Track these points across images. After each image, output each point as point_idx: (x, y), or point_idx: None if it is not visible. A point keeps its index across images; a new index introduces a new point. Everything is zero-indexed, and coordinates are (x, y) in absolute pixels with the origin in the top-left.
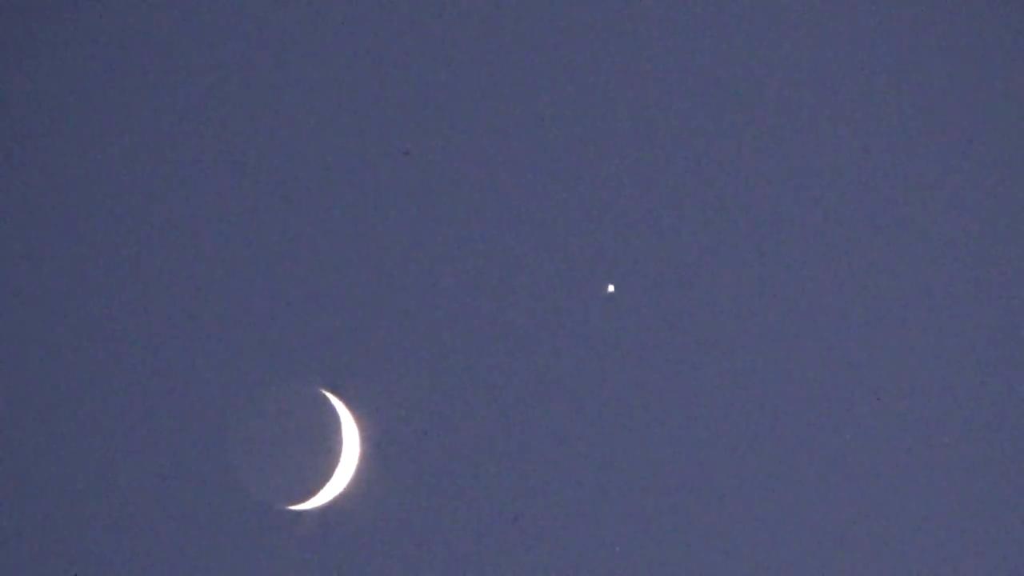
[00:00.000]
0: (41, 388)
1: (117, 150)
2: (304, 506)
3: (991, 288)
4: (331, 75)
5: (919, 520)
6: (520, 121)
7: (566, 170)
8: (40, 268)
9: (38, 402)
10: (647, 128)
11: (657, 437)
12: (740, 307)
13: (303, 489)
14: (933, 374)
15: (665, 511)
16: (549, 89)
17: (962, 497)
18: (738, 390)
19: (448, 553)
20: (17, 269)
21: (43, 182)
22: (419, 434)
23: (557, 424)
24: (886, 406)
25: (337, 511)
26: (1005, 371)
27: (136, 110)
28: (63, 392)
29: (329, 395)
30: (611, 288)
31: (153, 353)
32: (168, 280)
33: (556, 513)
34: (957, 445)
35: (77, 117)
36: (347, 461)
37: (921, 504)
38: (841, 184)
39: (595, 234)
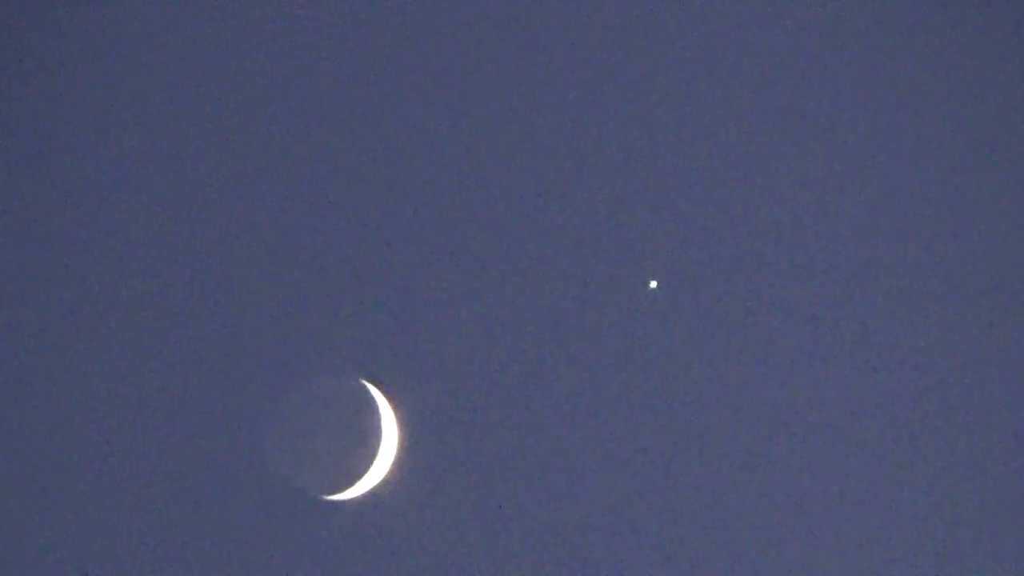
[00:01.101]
0: (83, 376)
1: (157, 134)
2: (343, 496)
3: (991, 289)
4: (364, 60)
5: (918, 521)
6: (556, 118)
7: (605, 167)
8: (76, 255)
9: (79, 389)
10: (673, 128)
11: (702, 429)
12: (750, 308)
13: (342, 479)
14: (935, 375)
15: (707, 501)
16: (575, 88)
17: (961, 497)
18: (757, 391)
19: (487, 543)
20: (65, 256)
21: (79, 171)
22: (458, 425)
23: (599, 416)
24: (888, 407)
25: (376, 501)
26: (1005, 371)
27: (168, 97)
28: (106, 384)
29: (369, 385)
30: (653, 284)
31: (197, 342)
32: (210, 269)
33: (598, 503)
34: (957, 446)
35: (91, 115)
36: (386, 451)
37: (921, 505)
38: (842, 185)
39: (629, 229)
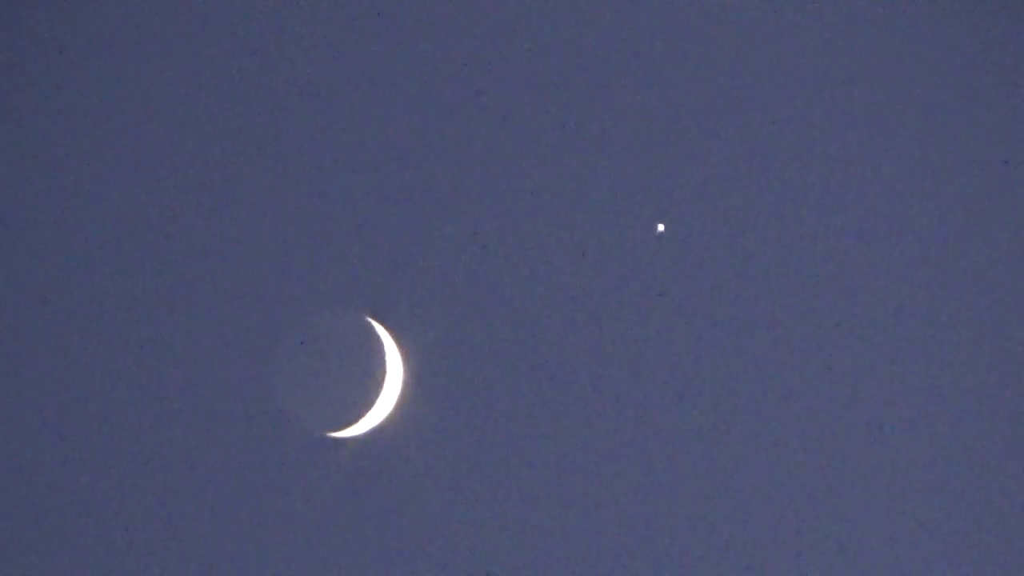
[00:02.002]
0: (84, 317)
1: (169, 115)
2: (346, 433)
3: (991, 291)
4: (387, 42)
5: (918, 522)
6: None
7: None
8: (80, 225)
9: (77, 322)
10: (673, 123)
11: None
12: (749, 308)
13: (345, 416)
14: (936, 376)
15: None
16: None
17: (961, 498)
18: (759, 390)
19: (490, 484)
20: (60, 237)
21: (76, 164)
22: (464, 362)
23: (607, 356)
24: (890, 408)
25: (379, 439)
26: (1004, 373)
27: (183, 87)
28: (111, 314)
29: (373, 321)
30: (661, 227)
31: (195, 276)
32: (211, 204)
33: (602, 446)
34: (956, 447)
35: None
36: (390, 388)
37: (921, 506)
38: (843, 186)
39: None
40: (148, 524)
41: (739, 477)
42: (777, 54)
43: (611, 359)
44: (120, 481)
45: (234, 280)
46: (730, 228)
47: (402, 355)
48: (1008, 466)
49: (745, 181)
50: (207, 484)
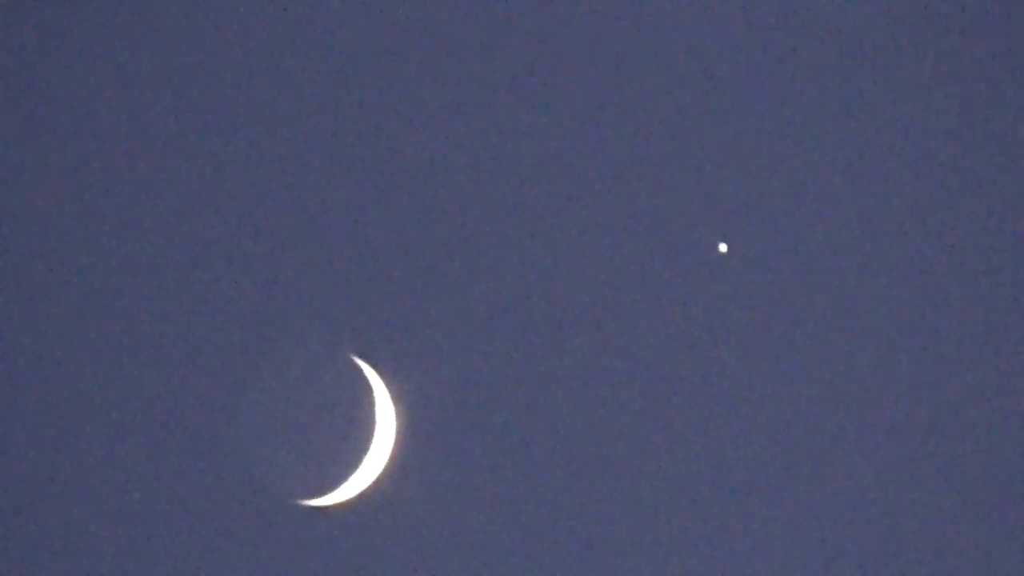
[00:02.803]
0: (48, 368)
1: (163, 120)
2: (328, 501)
3: (991, 293)
4: (378, 44)
5: (918, 522)
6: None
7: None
8: (65, 238)
9: (46, 383)
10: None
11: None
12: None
13: (327, 480)
14: (935, 376)
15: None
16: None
17: (961, 499)
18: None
19: (497, 563)
20: (55, 245)
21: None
22: (470, 413)
23: (614, 406)
24: (892, 409)
25: (367, 507)
26: (1003, 373)
27: (171, 90)
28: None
29: (361, 364)
30: (723, 247)
31: (161, 316)
32: (173, 230)
33: (611, 508)
34: (956, 447)
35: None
36: (380, 445)
37: (920, 507)
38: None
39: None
40: None
41: (754, 512)
42: (788, 61)
43: (639, 413)
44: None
45: (192, 318)
46: (730, 231)
47: (395, 404)
48: (1008, 466)
49: (743, 181)
50: (167, 562)
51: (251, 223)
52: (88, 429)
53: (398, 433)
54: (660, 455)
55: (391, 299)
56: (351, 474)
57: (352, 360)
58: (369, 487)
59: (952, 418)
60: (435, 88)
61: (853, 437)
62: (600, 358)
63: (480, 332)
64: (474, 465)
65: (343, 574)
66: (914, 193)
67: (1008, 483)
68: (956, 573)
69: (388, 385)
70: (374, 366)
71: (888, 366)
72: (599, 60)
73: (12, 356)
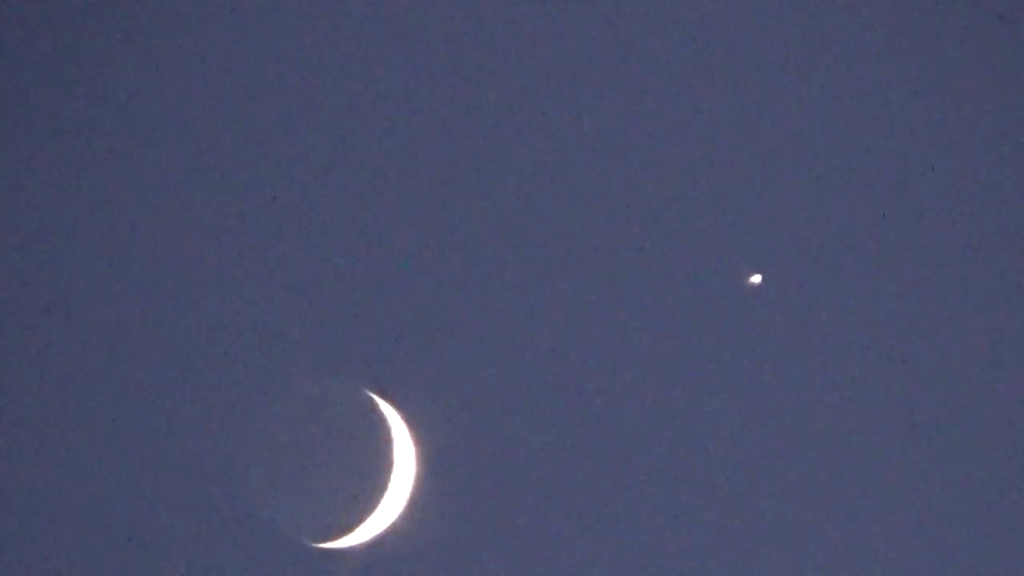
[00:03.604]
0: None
1: (169, 142)
2: (342, 543)
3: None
4: (391, 58)
5: (917, 523)
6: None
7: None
8: (70, 258)
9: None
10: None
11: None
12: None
13: (342, 522)
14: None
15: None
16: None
17: (960, 499)
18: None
19: None
20: (62, 261)
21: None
22: (493, 450)
23: (638, 439)
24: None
25: (384, 551)
26: (1004, 374)
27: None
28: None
29: (377, 398)
30: (757, 279)
31: (167, 343)
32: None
33: (638, 545)
34: (956, 448)
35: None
36: (398, 485)
37: (920, 507)
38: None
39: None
40: None
41: (781, 527)
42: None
43: (651, 449)
44: None
45: (201, 355)
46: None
47: (414, 441)
48: (1007, 467)
49: (743, 180)
50: None
51: (264, 257)
52: (92, 471)
53: (417, 473)
54: (691, 487)
55: (409, 333)
56: (368, 516)
57: (369, 396)
58: (386, 529)
59: (951, 419)
60: (457, 113)
61: (867, 445)
62: (621, 389)
63: (500, 366)
64: (497, 507)
65: None
66: (948, 212)
67: (1009, 484)
68: (957, 573)
69: (407, 423)
70: (392, 402)
71: (895, 370)
72: (638, 80)
73: (18, 405)
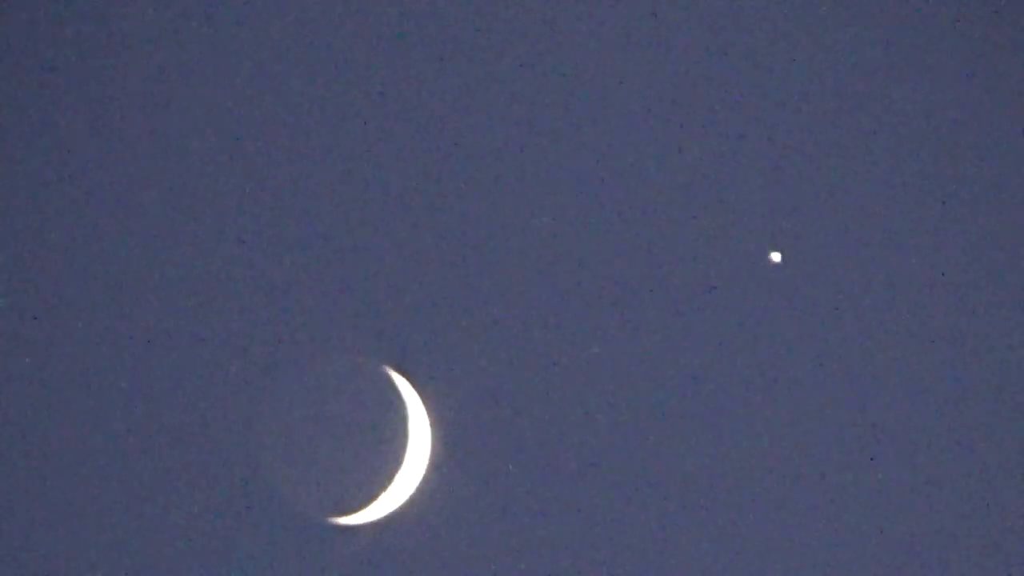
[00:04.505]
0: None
1: (183, 123)
2: (358, 519)
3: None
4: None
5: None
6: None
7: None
8: (87, 239)
9: (50, 385)
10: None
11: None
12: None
13: (357, 496)
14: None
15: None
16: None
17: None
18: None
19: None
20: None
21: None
22: (511, 428)
23: (660, 419)
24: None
25: (399, 526)
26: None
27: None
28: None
29: (394, 374)
30: (777, 257)
31: (174, 322)
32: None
33: (657, 526)
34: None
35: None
36: (413, 461)
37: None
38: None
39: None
40: None
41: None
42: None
43: (673, 425)
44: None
45: (217, 327)
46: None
47: (429, 418)
48: (1007, 467)
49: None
50: None
51: (279, 230)
52: (102, 444)
53: (433, 448)
54: (709, 471)
55: (426, 308)
56: (383, 491)
57: (385, 371)
58: (402, 505)
59: (951, 419)
60: (469, 100)
61: (874, 442)
62: (643, 369)
63: (519, 343)
64: (514, 483)
65: None
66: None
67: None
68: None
69: (423, 398)
70: (408, 377)
71: (902, 366)
72: (649, 71)
73: (20, 367)
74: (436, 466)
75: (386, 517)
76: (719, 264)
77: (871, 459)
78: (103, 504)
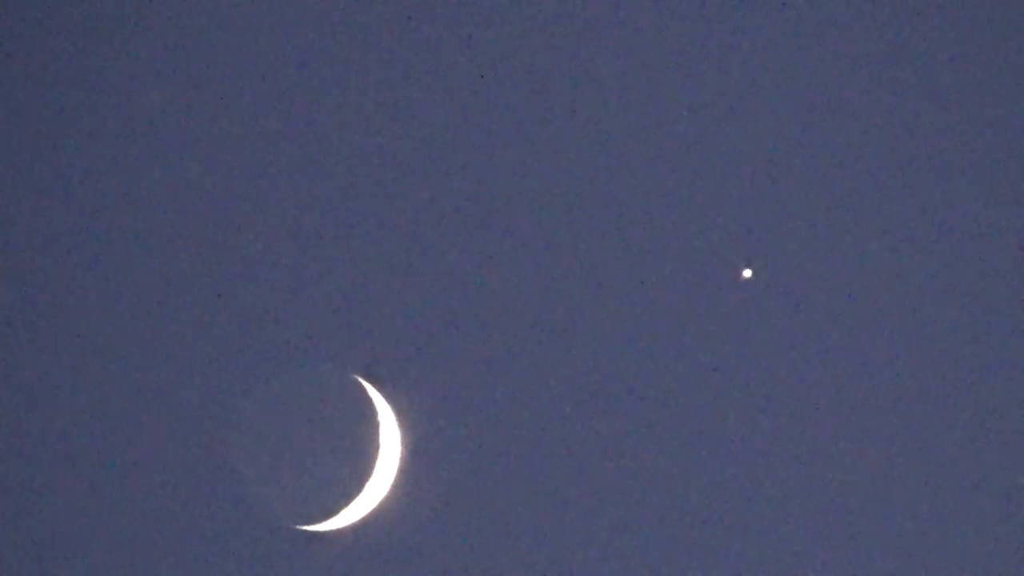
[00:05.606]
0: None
1: (155, 130)
2: (327, 527)
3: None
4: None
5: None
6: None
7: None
8: (54, 244)
9: (36, 398)
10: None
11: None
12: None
13: (327, 505)
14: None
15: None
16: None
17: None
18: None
19: None
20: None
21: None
22: (482, 435)
23: (628, 425)
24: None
25: (368, 534)
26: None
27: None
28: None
29: (363, 381)
30: (748, 273)
31: (145, 328)
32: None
33: (625, 533)
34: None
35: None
36: (383, 469)
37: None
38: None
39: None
40: None
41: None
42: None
43: (640, 437)
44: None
45: (185, 332)
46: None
47: (399, 426)
48: (1007, 468)
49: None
50: None
51: (247, 234)
52: (72, 449)
53: (402, 457)
54: (672, 472)
55: (397, 316)
56: (352, 499)
57: (355, 379)
58: (371, 513)
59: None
60: (440, 101)
61: (867, 443)
62: (612, 376)
63: (489, 351)
64: (483, 491)
65: None
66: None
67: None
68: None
69: (392, 405)
70: (378, 386)
71: (893, 367)
72: (627, 77)
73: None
74: (406, 474)
75: (356, 525)
76: (686, 276)
77: (855, 459)
78: (72, 511)
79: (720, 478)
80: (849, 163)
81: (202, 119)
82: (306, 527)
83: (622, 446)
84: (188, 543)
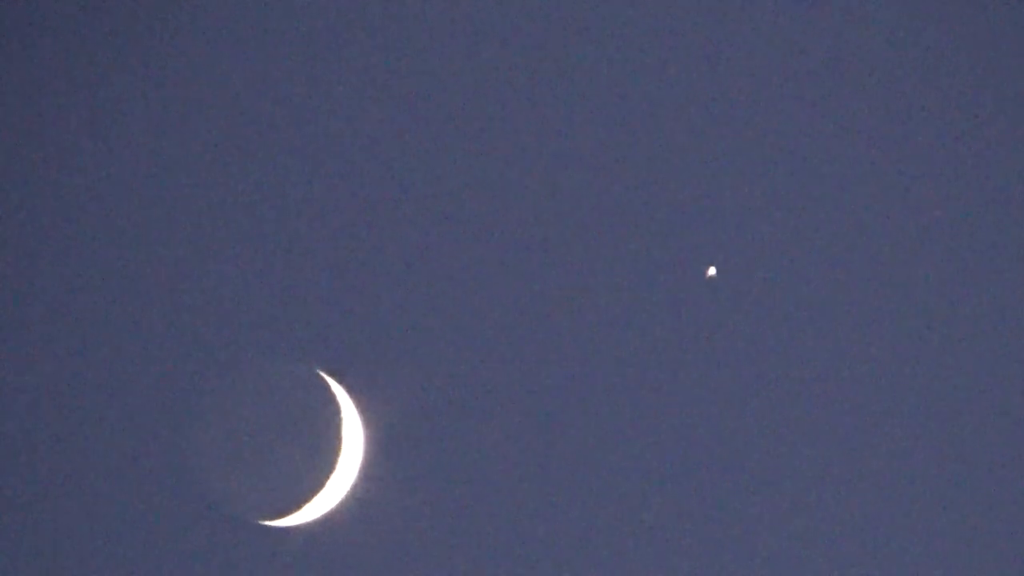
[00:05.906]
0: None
1: (135, 135)
2: (289, 521)
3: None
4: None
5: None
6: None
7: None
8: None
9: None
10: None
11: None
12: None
13: (289, 500)
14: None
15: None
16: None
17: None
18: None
19: None
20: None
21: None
22: (443, 431)
23: (592, 425)
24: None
25: (332, 529)
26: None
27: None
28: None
29: (326, 378)
30: (712, 271)
31: (111, 321)
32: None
33: (589, 521)
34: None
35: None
36: (346, 464)
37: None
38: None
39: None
40: None
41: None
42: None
43: (607, 423)
44: None
45: (151, 329)
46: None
47: (363, 422)
48: (1007, 467)
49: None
50: None
51: (214, 236)
52: (33, 445)
53: (365, 452)
54: (637, 468)
55: (360, 313)
56: (315, 494)
57: (318, 374)
58: (334, 508)
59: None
60: (415, 102)
61: (861, 441)
62: (580, 372)
63: (452, 349)
64: (445, 486)
65: None
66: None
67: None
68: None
69: (355, 402)
70: (341, 381)
71: (887, 365)
72: (604, 75)
73: None
74: (368, 470)
75: (318, 520)
76: (653, 273)
77: (850, 459)
78: (33, 508)
79: (695, 473)
80: (841, 163)
81: (174, 118)
82: (269, 522)
83: (588, 442)
84: (151, 538)
